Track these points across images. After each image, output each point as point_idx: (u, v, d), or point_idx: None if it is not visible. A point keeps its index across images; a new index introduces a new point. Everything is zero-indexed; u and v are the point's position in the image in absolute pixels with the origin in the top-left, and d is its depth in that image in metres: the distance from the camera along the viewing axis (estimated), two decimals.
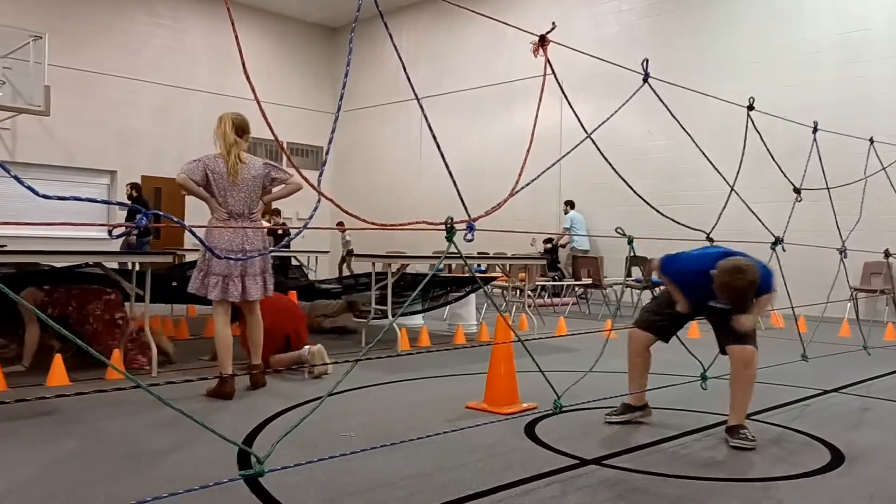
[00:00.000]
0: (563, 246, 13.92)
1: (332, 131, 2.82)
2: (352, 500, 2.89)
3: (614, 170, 3.91)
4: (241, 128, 4.88)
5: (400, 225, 3.03)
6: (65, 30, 15.25)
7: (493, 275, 10.17)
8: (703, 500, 2.98)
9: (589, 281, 11.36)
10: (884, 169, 7.05)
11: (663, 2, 13.70)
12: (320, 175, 2.82)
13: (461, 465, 3.39)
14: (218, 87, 17.06)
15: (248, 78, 2.64)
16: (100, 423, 4.06)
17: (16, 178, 2.01)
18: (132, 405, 4.45)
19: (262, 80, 18.38)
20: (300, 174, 2.89)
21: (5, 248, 7.14)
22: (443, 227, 2.89)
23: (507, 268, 9.73)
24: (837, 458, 3.62)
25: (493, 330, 4.92)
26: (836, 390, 5.35)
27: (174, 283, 6.54)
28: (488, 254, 11.33)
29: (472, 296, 8.56)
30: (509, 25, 3.69)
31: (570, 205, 14.08)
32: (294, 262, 11.20)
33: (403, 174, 18.26)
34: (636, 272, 11.68)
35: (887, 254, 6.65)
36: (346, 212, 2.78)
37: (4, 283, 1.96)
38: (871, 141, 6.80)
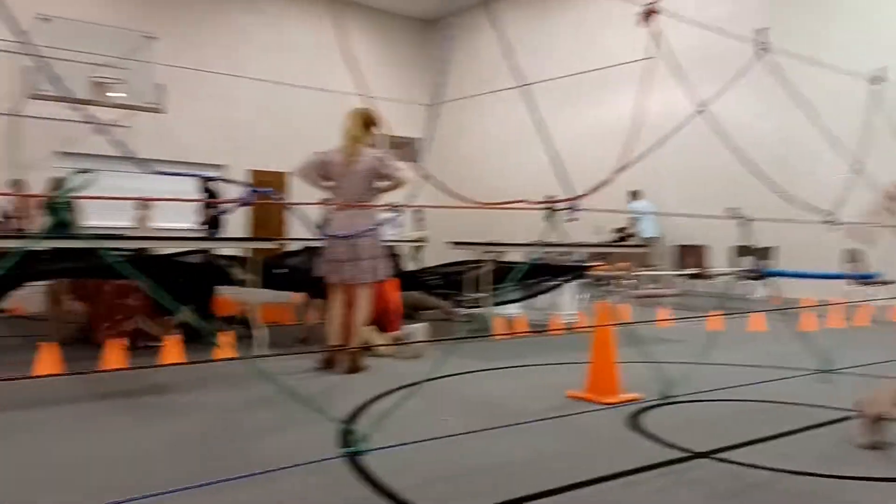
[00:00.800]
0: (631, 235, 13.27)
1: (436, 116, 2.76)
2: (444, 485, 2.84)
3: (730, 150, 3.67)
4: (366, 121, 5.22)
5: (500, 204, 2.95)
6: (175, 31, 16.04)
7: (590, 264, 9.92)
8: (829, 498, 2.76)
9: (695, 271, 10.91)
10: None
11: None
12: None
13: (561, 453, 3.29)
14: (321, 82, 17.48)
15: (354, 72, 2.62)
16: (206, 399, 4.20)
17: (169, 173, 2.06)
18: (234, 383, 4.59)
19: (360, 73, 18.70)
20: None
21: (122, 236, 7.54)
22: (545, 206, 2.79)
23: (607, 257, 9.48)
24: None
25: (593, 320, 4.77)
26: None
27: (283, 270, 6.76)
28: (587, 243, 11.04)
29: (570, 284, 8.39)
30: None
31: (634, 195, 13.34)
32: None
33: (501, 167, 18.15)
34: (746, 262, 11.11)
35: None
36: (452, 191, 2.72)
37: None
38: None
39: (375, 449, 2.81)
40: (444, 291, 8.22)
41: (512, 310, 8.60)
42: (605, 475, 2.98)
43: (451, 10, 19.28)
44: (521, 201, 2.88)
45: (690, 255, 11.03)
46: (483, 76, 18.22)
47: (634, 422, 3.85)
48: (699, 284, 11.69)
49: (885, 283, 9.15)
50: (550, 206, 2.79)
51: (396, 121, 20.04)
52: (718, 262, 11.40)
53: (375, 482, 2.82)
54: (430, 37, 20.85)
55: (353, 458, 3.02)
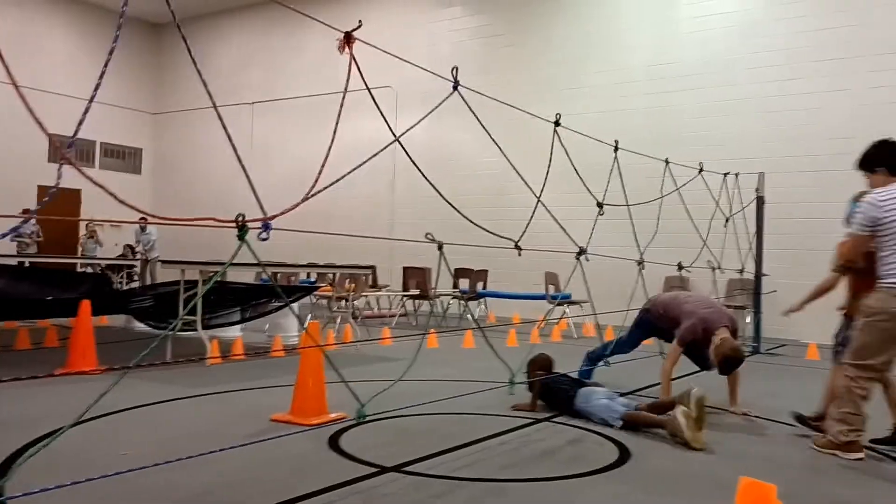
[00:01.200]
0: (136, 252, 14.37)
1: None
2: None
3: (424, 176, 3.90)
4: None
5: (187, 221, 2.80)
6: None
7: (316, 285, 9.95)
8: (498, 500, 3.01)
9: (416, 292, 11.44)
10: (677, 189, 7.67)
11: (494, 25, 14.25)
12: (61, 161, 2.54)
13: (253, 480, 3.20)
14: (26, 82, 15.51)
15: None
16: None
17: None
18: None
19: (70, 74, 16.99)
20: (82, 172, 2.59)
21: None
22: (233, 224, 2.71)
23: (334, 278, 9.57)
24: (625, 455, 3.81)
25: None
26: (631, 392, 5.68)
27: None
28: (286, 263, 11.04)
29: (294, 306, 8.30)
30: (334, 28, 3.58)
31: (143, 226, 14.23)
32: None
33: (231, 180, 17.47)
34: (463, 283, 11.94)
35: (680, 266, 7.24)
36: (121, 200, 2.52)
37: None
38: (667, 162, 7.39)
39: (16, 496, 2.47)
40: (155, 314, 7.67)
41: (232, 332, 8.29)
42: (295, 497, 2.95)
43: (190, 16, 18.28)
44: (210, 218, 2.76)
45: (413, 277, 11.54)
46: (219, 87, 17.53)
47: (335, 442, 3.88)
48: (421, 304, 12.29)
49: (574, 302, 10.38)
50: (240, 224, 2.71)
51: (121, 129, 18.50)
52: (442, 283, 12.11)
53: None
54: (162, 41, 19.59)
55: None
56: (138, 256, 14.46)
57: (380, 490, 3.11)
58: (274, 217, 2.93)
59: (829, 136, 10.95)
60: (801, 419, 4.54)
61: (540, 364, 5.07)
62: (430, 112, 3.98)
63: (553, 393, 4.85)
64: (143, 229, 14.39)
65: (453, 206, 4.21)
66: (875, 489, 3.40)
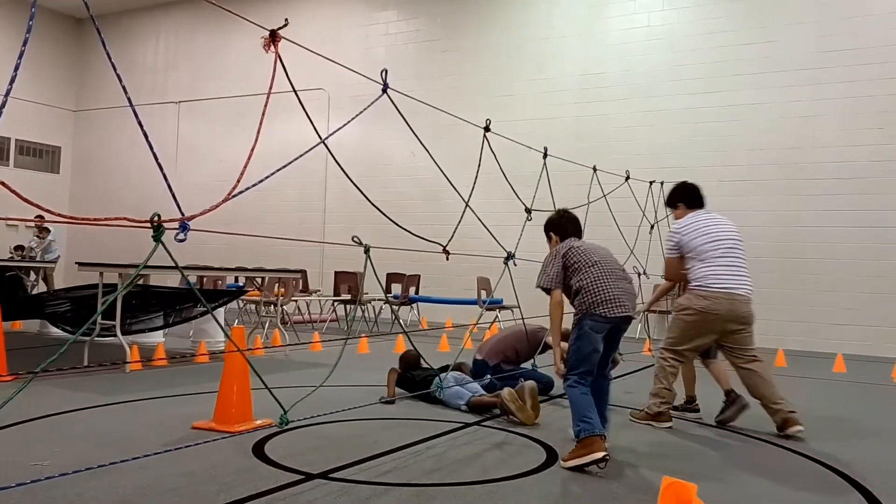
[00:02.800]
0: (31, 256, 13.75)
1: None
2: None
3: (349, 178, 3.86)
4: None
5: (99, 221, 2.69)
6: None
7: (244, 289, 9.74)
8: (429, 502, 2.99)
9: (348, 297, 11.33)
10: (604, 196, 7.84)
11: (429, 30, 14.28)
12: None
13: (171, 489, 3.08)
14: None
15: None
16: None
17: None
18: None
19: None
20: None
21: None
22: (149, 224, 2.61)
23: (262, 282, 9.38)
24: (552, 457, 3.85)
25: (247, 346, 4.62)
26: (560, 396, 5.75)
27: None
28: (212, 266, 10.77)
29: (220, 311, 8.09)
30: (257, 25, 3.49)
31: (41, 231, 13.76)
32: None
33: (154, 181, 16.92)
34: (395, 288, 11.89)
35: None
36: (28, 201, 2.40)
37: None
38: (595, 169, 7.55)
39: None
40: (72, 318, 7.34)
41: (154, 338, 8.01)
42: None
43: (115, 11, 17.63)
44: (123, 218, 2.65)
45: (345, 281, 11.43)
46: (135, 85, 16.97)
47: (259, 449, 3.79)
48: (354, 310, 12.17)
49: (506, 307, 10.47)
50: (156, 224, 2.61)
51: (40, 127, 17.68)
52: (374, 288, 12.02)
53: None
54: (84, 36, 18.84)
55: None
56: (34, 259, 13.30)
57: (304, 497, 3.04)
58: (192, 217, 2.83)
59: (748, 147, 11.41)
60: (724, 420, 4.96)
61: (407, 360, 5.70)
62: (359, 114, 3.94)
63: (416, 383, 5.41)
64: (39, 229, 13.42)
65: (380, 210, 4.18)
66: (794, 484, 3.53)
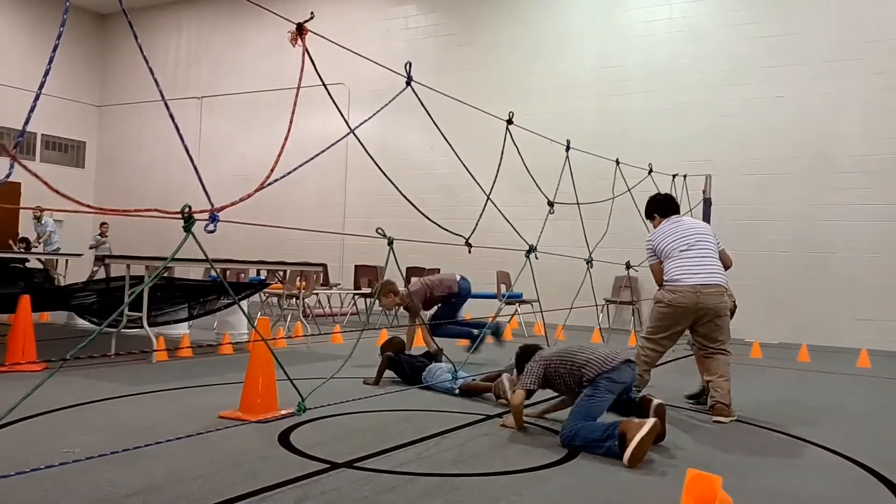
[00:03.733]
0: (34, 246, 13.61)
1: None
2: None
3: (379, 167, 3.88)
4: None
5: (131, 212, 2.73)
6: None
7: (268, 282, 9.82)
8: (450, 495, 3.01)
9: (368, 290, 11.38)
10: (629, 190, 7.81)
11: (448, 23, 14.28)
12: (15, 146, 2.45)
13: (199, 476, 3.13)
14: None
15: None
16: None
17: None
18: None
19: (14, 64, 16.42)
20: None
21: None
22: (179, 216, 2.64)
23: (284, 275, 9.45)
24: (575, 450, 3.86)
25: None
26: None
27: None
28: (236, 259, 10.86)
29: (243, 304, 8.17)
30: (284, 18, 3.52)
31: (40, 216, 13.56)
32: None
33: (177, 175, 17.09)
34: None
35: (628, 265, 7.36)
36: (59, 192, 2.44)
37: None
38: (617, 162, 7.52)
39: None
40: (98, 310, 7.46)
41: (179, 329, 8.12)
42: (243, 493, 2.90)
43: (138, 7, 17.80)
44: (154, 209, 2.69)
45: (365, 275, 11.48)
46: (165, 81, 17.12)
47: (284, 438, 3.84)
48: (372, 302, 12.22)
49: (525, 302, 10.46)
50: (186, 216, 2.65)
51: (65, 122, 17.91)
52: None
53: None
54: (108, 32, 19.05)
55: None
56: (38, 249, 13.32)
57: (330, 485, 3.08)
58: (222, 209, 2.87)
59: (771, 141, 11.30)
60: (693, 397, 5.44)
61: (394, 345, 5.88)
62: (384, 106, 3.96)
63: (404, 368, 5.65)
64: (38, 220, 13.29)
65: (409, 200, 4.20)
66: (820, 479, 3.51)
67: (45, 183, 2.45)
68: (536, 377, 4.15)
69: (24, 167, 2.46)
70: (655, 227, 5.28)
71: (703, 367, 5.05)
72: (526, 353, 4.42)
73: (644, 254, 5.29)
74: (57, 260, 12.50)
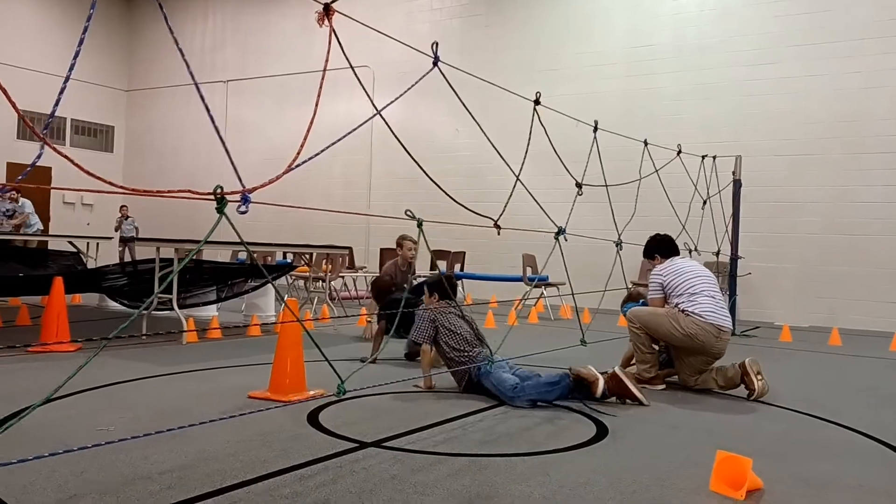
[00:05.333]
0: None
1: None
2: (96, 498, 2.58)
3: (405, 149, 3.87)
4: None
5: (164, 193, 2.76)
6: None
7: (295, 264, 9.89)
8: (478, 474, 3.02)
9: None
10: (657, 171, 7.71)
11: (473, 4, 14.15)
12: (46, 126, 2.49)
13: (231, 454, 3.18)
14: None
15: None
16: None
17: None
18: None
19: (36, 48, 16.62)
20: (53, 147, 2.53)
21: None
22: (211, 197, 2.66)
23: (311, 258, 9.51)
24: (602, 432, 3.85)
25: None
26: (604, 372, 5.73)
27: None
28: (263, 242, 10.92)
29: (271, 286, 8.24)
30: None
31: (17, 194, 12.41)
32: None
33: (205, 159, 17.22)
34: (441, 265, 11.93)
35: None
36: (91, 173, 2.47)
37: None
38: (646, 143, 7.42)
39: (2, 465, 2.44)
40: (129, 292, 7.57)
41: (208, 312, 8.22)
42: (273, 471, 2.94)
43: None
44: (187, 190, 2.71)
45: (391, 258, 11.49)
46: (192, 65, 17.20)
47: (314, 418, 3.87)
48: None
49: (551, 284, 10.43)
50: (219, 197, 2.66)
51: (93, 106, 18.12)
52: (420, 265, 12.09)
53: None
54: (135, 17, 19.18)
55: None
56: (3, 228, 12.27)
57: (360, 464, 3.10)
58: (253, 189, 2.88)
59: (804, 121, 11.08)
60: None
61: (381, 286, 6.04)
62: (411, 87, 3.94)
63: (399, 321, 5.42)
64: (15, 201, 12.23)
65: (432, 180, 4.19)
66: (850, 463, 3.46)
67: (77, 165, 2.48)
68: (428, 336, 4.76)
69: (55, 149, 2.49)
70: (657, 265, 5.39)
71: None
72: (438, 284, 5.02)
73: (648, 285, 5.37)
74: (31, 244, 11.92)
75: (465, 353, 4.68)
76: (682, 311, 4.95)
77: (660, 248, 5.41)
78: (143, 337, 6.53)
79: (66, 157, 2.52)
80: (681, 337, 4.91)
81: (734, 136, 11.19)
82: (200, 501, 2.58)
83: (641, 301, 5.53)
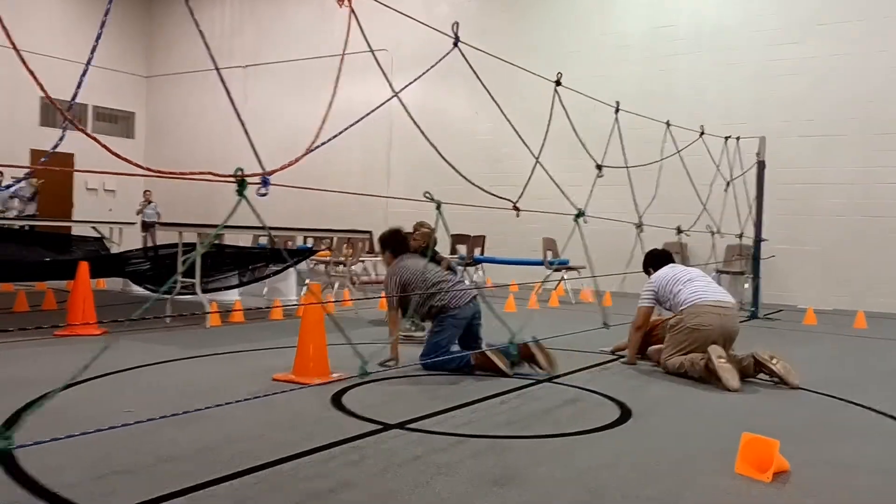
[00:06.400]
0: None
1: None
2: (126, 478, 2.62)
3: (422, 132, 3.85)
4: None
5: (186, 175, 2.77)
6: None
7: (316, 249, 9.93)
8: (501, 456, 3.02)
9: None
10: (678, 152, 7.62)
11: None
12: (71, 101, 2.49)
13: (257, 436, 3.21)
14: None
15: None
16: None
17: None
18: None
19: (55, 35, 16.72)
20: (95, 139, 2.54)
21: None
22: (232, 179, 2.67)
23: (331, 242, 9.54)
24: (626, 414, 3.84)
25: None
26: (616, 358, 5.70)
27: None
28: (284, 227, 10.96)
29: (293, 270, 8.29)
30: None
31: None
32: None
33: (224, 143, 17.24)
34: (460, 249, 11.92)
35: (679, 230, 7.22)
36: (118, 155, 2.49)
37: None
38: (668, 124, 7.33)
39: (26, 445, 2.47)
40: (152, 277, 7.64)
41: (230, 296, 8.28)
42: (299, 452, 2.96)
43: None
44: (208, 173, 2.72)
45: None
46: (202, 51, 17.15)
47: (337, 400, 3.90)
48: None
49: (572, 268, 10.38)
50: (240, 179, 2.67)
51: (114, 93, 18.23)
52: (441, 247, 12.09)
53: (27, 480, 2.50)
54: (154, 2, 19.22)
55: (4, 455, 2.65)
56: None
57: (385, 445, 3.12)
58: (273, 172, 2.88)
59: (829, 102, 10.89)
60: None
61: (399, 239, 5.22)
62: (431, 67, 3.92)
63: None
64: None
65: (449, 163, 4.17)
66: (876, 446, 3.43)
67: (102, 144, 2.50)
68: (393, 293, 4.89)
69: (80, 129, 2.51)
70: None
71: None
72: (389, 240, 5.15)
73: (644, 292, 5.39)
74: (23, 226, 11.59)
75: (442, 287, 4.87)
76: (680, 309, 5.03)
77: (652, 262, 5.61)
78: (168, 321, 6.60)
79: (91, 136, 2.54)
80: (696, 335, 4.88)
81: (757, 117, 11.02)
82: (228, 481, 2.60)
83: None
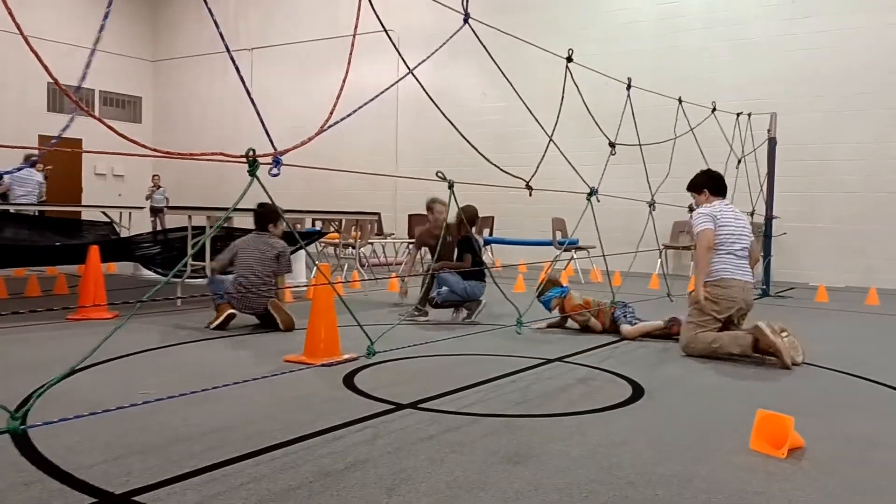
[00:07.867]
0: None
1: None
2: (140, 459, 2.63)
3: (439, 109, 3.82)
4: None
5: (196, 155, 2.75)
6: None
7: (325, 231, 9.92)
8: (514, 434, 3.02)
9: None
10: (692, 129, 7.54)
11: None
12: (79, 85, 2.48)
13: (269, 416, 3.21)
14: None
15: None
16: None
17: None
18: None
19: (61, 20, 16.67)
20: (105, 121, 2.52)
21: None
22: (244, 160, 2.64)
23: (340, 225, 9.53)
24: (638, 392, 3.82)
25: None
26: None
27: None
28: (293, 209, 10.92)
29: (303, 252, 8.28)
30: None
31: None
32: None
33: (232, 126, 17.23)
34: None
35: (690, 208, 7.15)
36: (127, 138, 2.47)
37: None
38: (680, 101, 7.25)
39: (37, 425, 2.48)
40: (162, 261, 7.65)
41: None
42: (312, 432, 2.97)
43: None
44: (219, 153, 2.70)
45: (419, 224, 11.48)
46: (208, 34, 17.18)
47: (349, 381, 3.90)
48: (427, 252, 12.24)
49: (582, 248, 10.34)
50: (251, 159, 2.65)
51: (121, 78, 18.21)
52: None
53: (42, 461, 2.52)
54: None
55: (23, 439, 2.66)
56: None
57: (396, 425, 3.12)
58: (285, 152, 2.86)
59: (841, 77, 10.74)
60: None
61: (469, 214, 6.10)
62: (442, 45, 3.87)
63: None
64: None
65: (464, 137, 4.14)
66: (891, 421, 3.40)
67: (110, 127, 2.48)
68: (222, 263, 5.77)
69: (90, 113, 2.48)
70: (699, 203, 5.23)
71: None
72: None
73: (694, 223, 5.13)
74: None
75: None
76: (706, 280, 4.92)
77: (711, 184, 5.23)
78: (178, 303, 6.62)
79: (98, 118, 2.52)
80: (723, 306, 4.89)
81: (768, 93, 10.89)
82: (241, 461, 2.61)
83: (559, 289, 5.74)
